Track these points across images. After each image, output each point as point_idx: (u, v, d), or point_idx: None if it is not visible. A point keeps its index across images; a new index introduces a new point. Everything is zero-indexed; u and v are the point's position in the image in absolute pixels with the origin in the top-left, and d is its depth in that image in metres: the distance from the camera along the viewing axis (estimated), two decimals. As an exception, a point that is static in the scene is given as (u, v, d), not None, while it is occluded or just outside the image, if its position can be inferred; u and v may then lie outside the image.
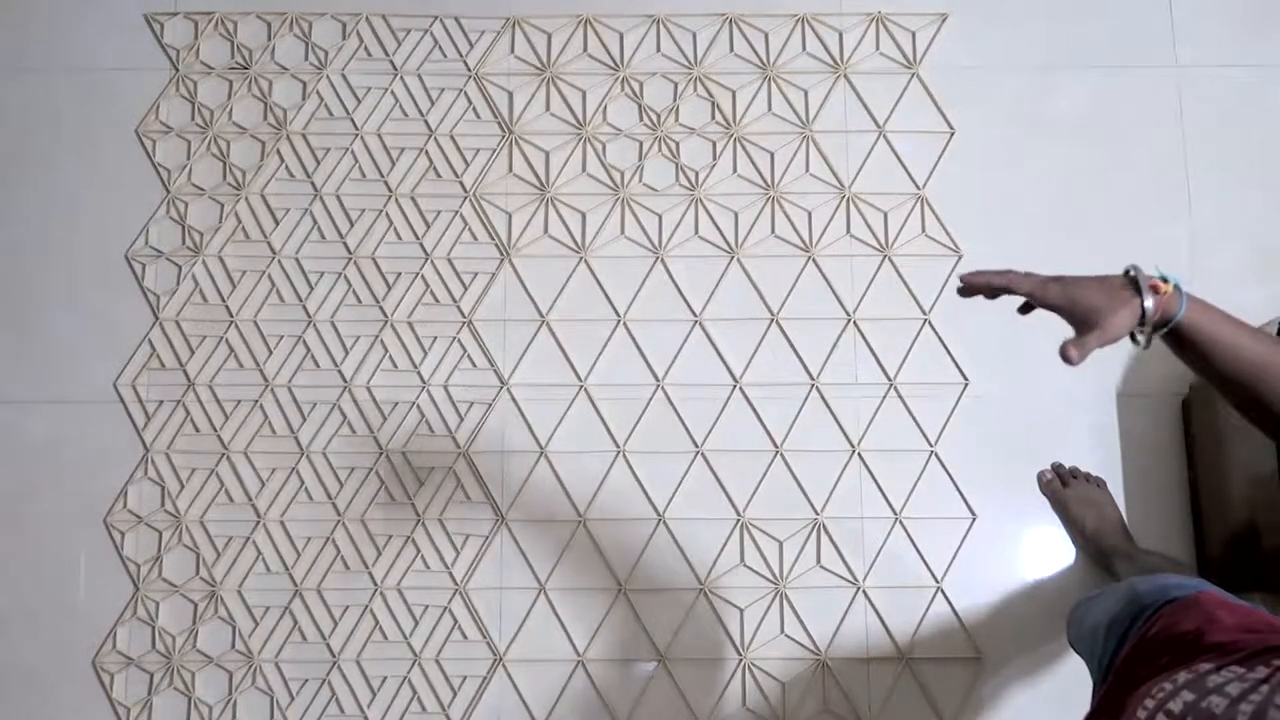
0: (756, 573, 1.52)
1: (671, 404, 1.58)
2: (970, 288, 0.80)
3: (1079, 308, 0.74)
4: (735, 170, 1.65)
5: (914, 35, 1.69)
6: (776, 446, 1.56)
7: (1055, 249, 1.60)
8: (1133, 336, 0.75)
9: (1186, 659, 0.69)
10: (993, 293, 0.79)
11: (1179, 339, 0.75)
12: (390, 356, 1.60)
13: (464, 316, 1.61)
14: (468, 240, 1.63)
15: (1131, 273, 0.75)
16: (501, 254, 1.63)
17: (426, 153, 1.66)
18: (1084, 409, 1.56)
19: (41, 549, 1.55)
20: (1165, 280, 0.74)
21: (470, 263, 1.63)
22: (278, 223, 1.64)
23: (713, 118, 1.66)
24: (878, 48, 1.69)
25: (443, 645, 1.52)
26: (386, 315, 1.61)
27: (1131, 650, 0.83)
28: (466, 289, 1.62)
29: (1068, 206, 1.63)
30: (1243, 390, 0.74)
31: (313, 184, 1.65)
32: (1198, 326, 0.74)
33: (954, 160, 1.64)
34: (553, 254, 1.63)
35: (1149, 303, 0.73)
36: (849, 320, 1.60)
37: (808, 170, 1.64)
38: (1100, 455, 1.56)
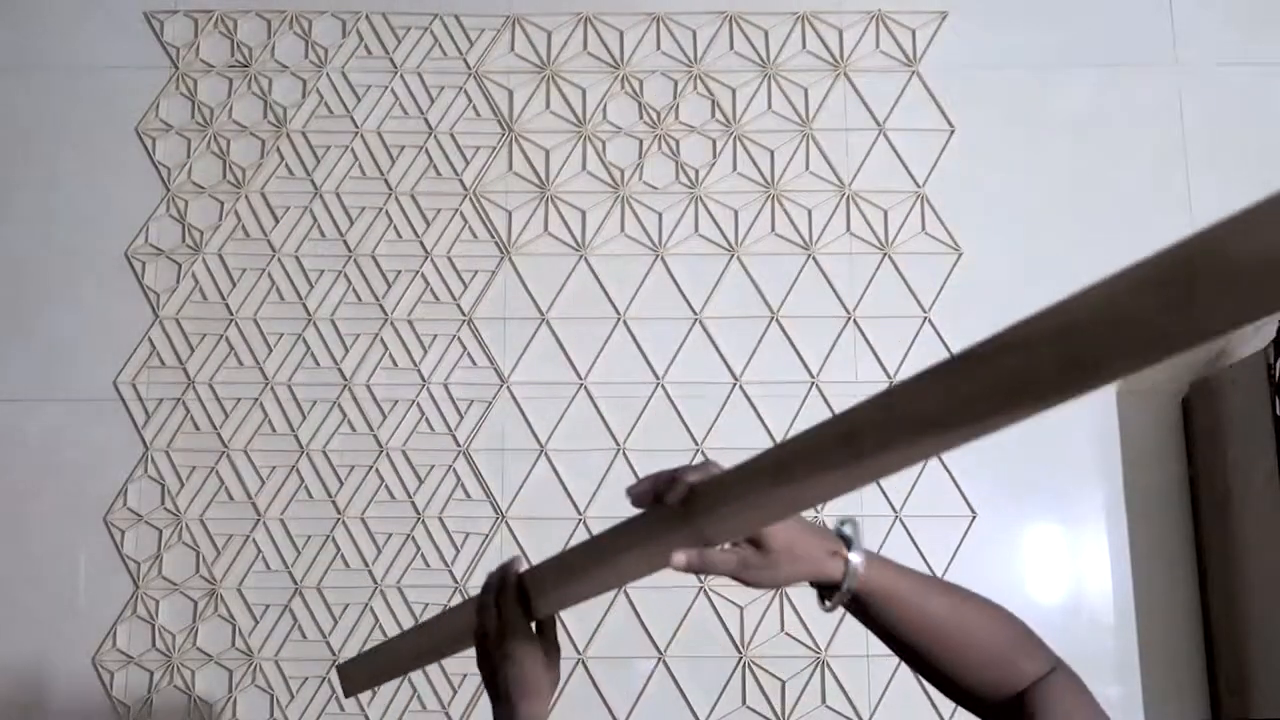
0: (756, 571, 1.52)
1: (671, 402, 1.58)
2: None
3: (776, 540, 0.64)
4: (735, 168, 1.65)
5: (914, 33, 1.69)
6: (776, 445, 1.56)
7: (1055, 247, 1.60)
8: (822, 599, 0.69)
9: None
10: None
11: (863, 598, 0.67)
12: (390, 354, 1.60)
13: (464, 314, 1.61)
14: (467, 238, 1.63)
15: (845, 529, 0.68)
16: (501, 252, 1.63)
17: (426, 151, 1.66)
18: (1083, 406, 1.56)
19: (41, 548, 1.55)
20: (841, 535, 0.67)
21: (470, 261, 1.63)
22: (277, 220, 1.64)
23: (712, 116, 1.66)
24: (878, 45, 1.69)
25: (443, 643, 1.52)
26: (386, 313, 1.61)
27: None
28: (466, 287, 1.62)
29: (1068, 204, 1.63)
30: (933, 652, 0.67)
31: (312, 182, 1.65)
32: (884, 585, 0.66)
33: (954, 158, 1.64)
34: (552, 252, 1.63)
35: (855, 558, 0.66)
36: (849, 318, 1.60)
37: (808, 168, 1.64)
38: (1100, 453, 1.56)
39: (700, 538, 0.63)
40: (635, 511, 0.68)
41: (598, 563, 0.70)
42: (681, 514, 0.63)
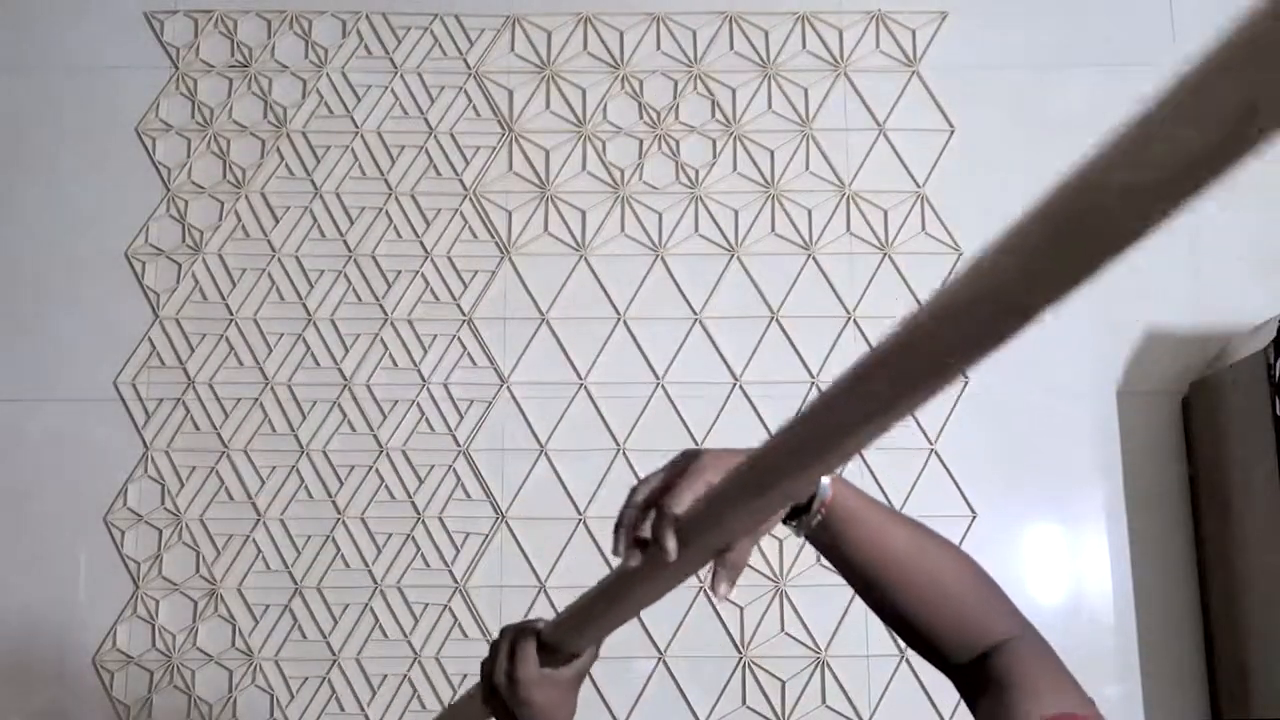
0: (756, 570, 1.52)
1: (671, 402, 1.58)
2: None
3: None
4: (735, 168, 1.65)
5: (914, 33, 1.69)
6: (776, 445, 1.56)
7: (1055, 247, 1.60)
8: (797, 526, 0.67)
9: None
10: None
11: (829, 522, 0.65)
12: (390, 354, 1.60)
13: (464, 314, 1.61)
14: (467, 238, 1.63)
15: None
16: (501, 252, 1.63)
17: (426, 151, 1.66)
18: (1084, 406, 1.56)
19: (41, 548, 1.55)
20: None
21: (470, 261, 1.63)
22: (278, 221, 1.64)
23: (713, 116, 1.66)
24: (877, 46, 1.69)
25: (443, 643, 1.52)
26: (386, 313, 1.61)
27: None
28: (466, 287, 1.62)
29: (1068, 205, 1.62)
30: (895, 586, 0.66)
31: (312, 182, 1.65)
32: (849, 505, 0.65)
33: (954, 158, 1.64)
34: (552, 252, 1.63)
35: (825, 478, 0.63)
36: (849, 318, 1.60)
37: (807, 168, 1.65)
38: (1100, 453, 1.56)
39: (709, 553, 0.61)
40: (613, 503, 0.67)
41: (617, 604, 0.68)
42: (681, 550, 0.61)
